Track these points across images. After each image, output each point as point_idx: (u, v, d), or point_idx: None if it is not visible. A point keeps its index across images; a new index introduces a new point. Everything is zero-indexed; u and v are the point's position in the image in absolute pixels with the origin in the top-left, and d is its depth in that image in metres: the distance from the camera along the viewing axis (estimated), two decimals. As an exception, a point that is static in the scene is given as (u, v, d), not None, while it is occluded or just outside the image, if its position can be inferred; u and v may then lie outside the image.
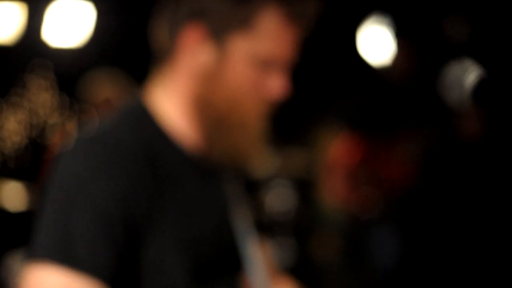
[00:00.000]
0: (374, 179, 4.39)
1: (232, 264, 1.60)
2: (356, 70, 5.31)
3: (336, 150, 4.50)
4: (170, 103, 1.57)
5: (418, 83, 4.74)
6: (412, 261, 4.35)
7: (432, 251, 4.35)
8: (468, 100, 4.97)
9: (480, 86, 5.00)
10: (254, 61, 1.53)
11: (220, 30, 1.53)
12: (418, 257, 4.36)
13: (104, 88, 4.52)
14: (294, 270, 4.44)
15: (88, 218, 1.38)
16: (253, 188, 4.56)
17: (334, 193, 4.44)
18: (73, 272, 1.35)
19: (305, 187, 4.75)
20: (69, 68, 5.51)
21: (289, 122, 5.16)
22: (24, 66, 5.66)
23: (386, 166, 4.40)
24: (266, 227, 4.53)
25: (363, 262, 4.38)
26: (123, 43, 5.53)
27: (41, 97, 5.64)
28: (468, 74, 5.11)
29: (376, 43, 5.27)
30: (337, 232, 4.43)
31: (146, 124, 1.54)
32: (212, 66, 1.53)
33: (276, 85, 1.56)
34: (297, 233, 4.72)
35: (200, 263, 1.50)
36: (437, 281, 4.24)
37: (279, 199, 4.80)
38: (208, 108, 1.55)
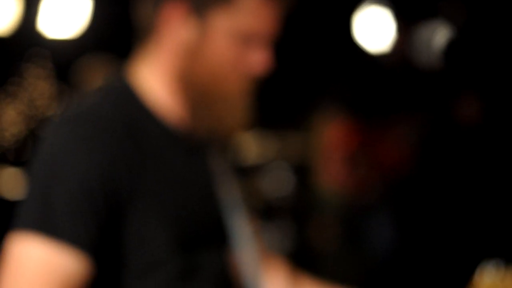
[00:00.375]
0: (371, 163, 4.39)
1: (218, 239, 1.61)
2: (353, 54, 5.30)
3: (333, 135, 4.49)
4: (154, 80, 1.58)
5: (415, 67, 4.74)
6: (409, 245, 4.36)
7: (430, 235, 4.35)
8: (438, 61, 4.94)
9: (450, 47, 4.97)
10: (236, 36, 1.55)
11: (201, 7, 1.55)
12: (415, 241, 4.37)
13: (99, 76, 4.53)
14: (292, 254, 4.44)
15: (70, 190, 1.41)
16: (249, 173, 4.55)
17: (332, 178, 4.43)
18: (54, 242, 1.38)
19: (302, 172, 4.74)
20: (66, 58, 5.51)
21: (286, 106, 5.16)
22: (21, 56, 5.66)
23: (384, 150, 4.40)
24: (263, 212, 4.53)
25: (361, 246, 4.38)
26: (120, 32, 5.51)
27: (39, 86, 5.64)
28: (437, 35, 5.07)
29: (374, 25, 5.25)
30: (334, 216, 4.42)
31: (129, 100, 1.56)
32: (194, 42, 1.55)
33: (257, 60, 1.57)
34: (295, 217, 4.71)
35: (185, 238, 1.52)
36: (434, 265, 4.24)
37: (276, 184, 4.80)
38: (191, 83, 1.57)
